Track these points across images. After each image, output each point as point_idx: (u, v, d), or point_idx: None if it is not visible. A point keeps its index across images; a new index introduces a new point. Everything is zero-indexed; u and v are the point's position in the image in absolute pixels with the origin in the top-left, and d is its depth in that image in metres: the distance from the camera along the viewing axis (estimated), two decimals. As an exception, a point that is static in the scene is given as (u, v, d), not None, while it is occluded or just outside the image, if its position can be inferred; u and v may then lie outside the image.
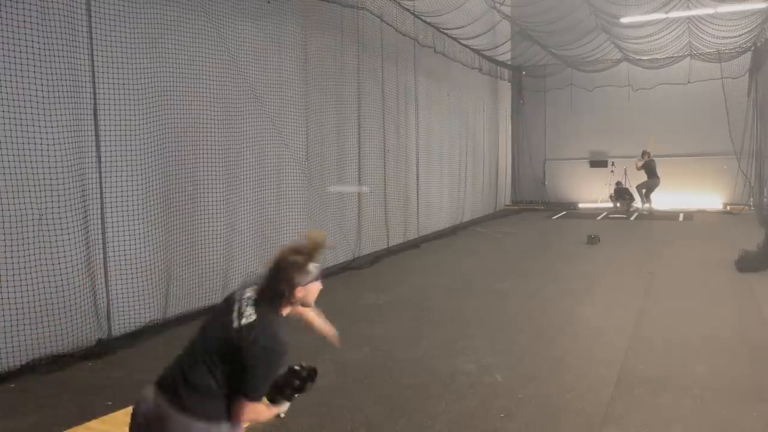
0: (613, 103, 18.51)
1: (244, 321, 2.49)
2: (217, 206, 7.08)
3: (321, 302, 2.76)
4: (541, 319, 6.64)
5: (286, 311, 2.63)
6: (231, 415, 2.49)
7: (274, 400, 2.61)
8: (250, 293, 2.59)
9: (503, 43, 16.47)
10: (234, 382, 2.45)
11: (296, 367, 2.63)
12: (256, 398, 2.46)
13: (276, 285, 2.54)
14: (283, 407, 2.64)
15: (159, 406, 2.45)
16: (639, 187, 17.07)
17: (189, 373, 2.49)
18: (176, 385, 2.48)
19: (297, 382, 2.63)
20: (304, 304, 2.65)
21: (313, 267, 2.58)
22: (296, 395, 2.64)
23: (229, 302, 2.61)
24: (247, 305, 2.55)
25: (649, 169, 16.59)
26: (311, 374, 2.65)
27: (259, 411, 2.52)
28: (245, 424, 2.55)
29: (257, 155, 7.74)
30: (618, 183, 18.28)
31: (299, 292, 2.56)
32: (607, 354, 5.39)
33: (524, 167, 20.25)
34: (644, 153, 16.72)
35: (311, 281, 2.58)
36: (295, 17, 8.47)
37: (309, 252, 2.58)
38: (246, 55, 7.51)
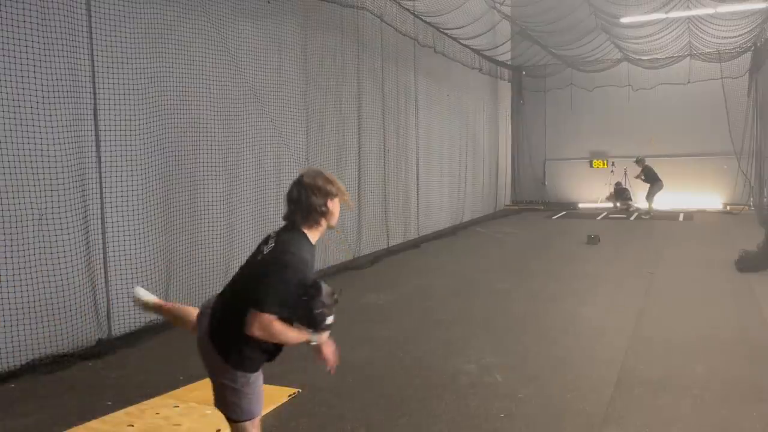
0: (613, 103, 18.51)
1: (266, 250, 2.62)
2: (217, 206, 7.08)
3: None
4: (542, 318, 6.64)
5: (317, 232, 2.71)
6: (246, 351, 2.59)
7: (310, 327, 2.61)
8: (273, 233, 2.71)
9: (503, 43, 16.47)
10: (250, 301, 2.51)
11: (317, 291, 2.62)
12: (263, 310, 2.46)
13: (308, 202, 2.62)
14: (317, 336, 2.64)
15: (203, 338, 2.67)
16: (647, 199, 16.40)
17: (222, 317, 2.64)
18: (215, 329, 2.64)
19: (321, 303, 2.60)
20: (331, 224, 2.72)
21: (337, 181, 2.70)
22: (320, 317, 2.61)
23: (259, 244, 2.74)
24: (272, 238, 2.67)
25: (649, 175, 16.21)
26: (315, 293, 2.63)
27: (276, 329, 2.49)
28: (264, 340, 2.53)
29: (257, 155, 7.74)
30: (618, 183, 18.27)
31: (331, 204, 2.66)
32: (607, 354, 5.38)
33: (524, 167, 20.25)
34: (638, 161, 16.25)
35: (337, 195, 2.68)
36: (295, 17, 8.47)
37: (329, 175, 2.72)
38: (246, 55, 7.51)
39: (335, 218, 2.71)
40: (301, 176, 2.69)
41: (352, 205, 2.82)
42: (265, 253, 2.62)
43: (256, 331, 2.47)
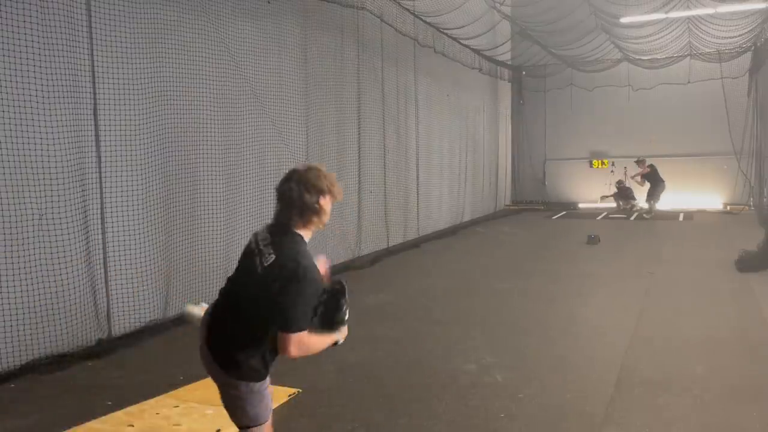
0: (613, 103, 18.51)
1: (266, 263, 2.46)
2: (217, 206, 7.08)
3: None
4: (542, 319, 6.64)
5: (309, 231, 2.56)
6: (268, 363, 2.54)
7: (331, 328, 2.58)
8: (264, 234, 2.56)
9: (503, 43, 16.47)
10: (273, 322, 2.43)
11: (329, 290, 2.60)
12: (297, 330, 2.40)
13: (301, 200, 2.46)
14: (340, 334, 2.60)
15: (207, 356, 2.60)
16: (648, 200, 16.34)
17: (222, 331, 2.57)
18: (214, 340, 2.59)
19: (336, 302, 2.58)
20: (322, 222, 2.56)
21: (329, 177, 2.54)
22: (344, 315, 2.58)
23: (248, 253, 2.60)
24: (264, 246, 2.51)
25: (652, 177, 16.06)
26: (340, 290, 2.60)
27: (311, 343, 2.47)
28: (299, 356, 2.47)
29: (257, 155, 7.74)
30: (619, 182, 18.22)
31: (323, 202, 2.50)
32: (607, 354, 5.39)
33: (524, 167, 20.26)
34: (640, 162, 16.06)
35: (329, 193, 2.52)
36: (295, 17, 8.47)
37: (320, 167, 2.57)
38: (246, 55, 7.51)
39: (327, 217, 2.55)
40: (294, 171, 2.53)
41: (341, 198, 2.67)
42: (266, 265, 2.45)
43: (294, 352, 2.41)
